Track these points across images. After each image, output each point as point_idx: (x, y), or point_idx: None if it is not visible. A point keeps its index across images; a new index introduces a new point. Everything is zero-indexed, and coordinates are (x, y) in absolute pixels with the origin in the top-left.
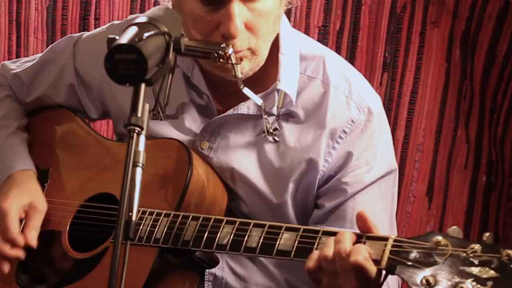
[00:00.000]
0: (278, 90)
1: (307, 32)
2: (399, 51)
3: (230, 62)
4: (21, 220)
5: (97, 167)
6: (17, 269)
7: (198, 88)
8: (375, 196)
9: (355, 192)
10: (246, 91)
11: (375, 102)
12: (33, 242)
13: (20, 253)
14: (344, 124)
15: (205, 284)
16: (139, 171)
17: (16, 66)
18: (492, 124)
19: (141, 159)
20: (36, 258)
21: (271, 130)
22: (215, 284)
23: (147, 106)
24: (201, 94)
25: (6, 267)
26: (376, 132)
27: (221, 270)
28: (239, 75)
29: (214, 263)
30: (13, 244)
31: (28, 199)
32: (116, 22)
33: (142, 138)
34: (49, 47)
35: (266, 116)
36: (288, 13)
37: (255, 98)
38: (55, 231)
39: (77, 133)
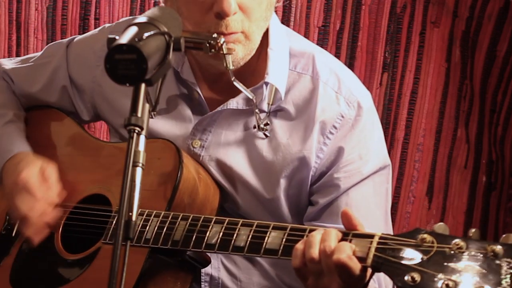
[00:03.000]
0: (267, 84)
1: (307, 32)
2: (399, 51)
3: (221, 52)
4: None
5: (89, 169)
6: (11, 270)
7: (189, 85)
8: (369, 191)
9: (348, 187)
10: (237, 83)
11: (365, 97)
12: (58, 197)
13: (50, 216)
14: (334, 119)
15: (202, 285)
16: (139, 171)
17: (11, 63)
18: (492, 124)
19: (141, 159)
20: (29, 260)
21: (262, 126)
22: (211, 284)
23: (147, 106)
24: (191, 91)
25: (40, 235)
26: (367, 127)
27: (217, 270)
28: (230, 66)
29: (206, 262)
30: (42, 207)
31: (39, 164)
32: (107, 25)
33: (142, 138)
34: (41, 52)
35: (257, 111)
36: (288, 13)
37: (246, 91)
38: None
39: (69, 134)
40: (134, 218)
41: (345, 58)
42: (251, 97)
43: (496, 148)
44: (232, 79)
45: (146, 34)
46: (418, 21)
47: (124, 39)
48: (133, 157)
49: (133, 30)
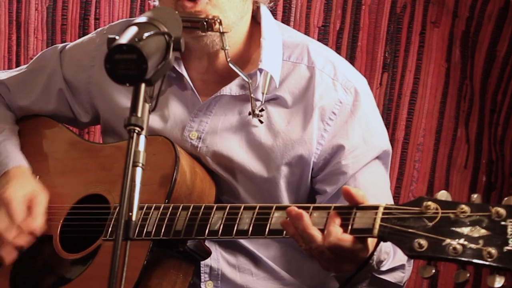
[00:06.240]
0: (261, 71)
1: (307, 32)
2: (399, 51)
3: (218, 31)
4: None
5: (83, 170)
6: (11, 274)
7: (178, 78)
8: (374, 173)
9: (355, 172)
10: (232, 65)
11: (361, 83)
12: (39, 229)
13: (25, 241)
14: (333, 105)
15: (202, 276)
16: (139, 171)
17: (4, 74)
18: (492, 124)
19: (141, 159)
20: (28, 264)
21: (257, 111)
22: (211, 275)
23: (147, 106)
24: (182, 84)
25: (11, 256)
26: (367, 112)
27: (217, 261)
28: (226, 46)
29: (207, 254)
30: (19, 231)
31: (30, 188)
32: (100, 29)
33: (142, 138)
34: (35, 58)
35: (252, 95)
36: (288, 13)
37: (241, 73)
38: (46, 236)
39: (60, 139)
40: (134, 218)
41: (345, 58)
42: (246, 80)
43: (496, 148)
44: (228, 60)
45: (146, 34)
46: (418, 21)
47: (124, 39)
48: (133, 157)
49: (133, 30)
